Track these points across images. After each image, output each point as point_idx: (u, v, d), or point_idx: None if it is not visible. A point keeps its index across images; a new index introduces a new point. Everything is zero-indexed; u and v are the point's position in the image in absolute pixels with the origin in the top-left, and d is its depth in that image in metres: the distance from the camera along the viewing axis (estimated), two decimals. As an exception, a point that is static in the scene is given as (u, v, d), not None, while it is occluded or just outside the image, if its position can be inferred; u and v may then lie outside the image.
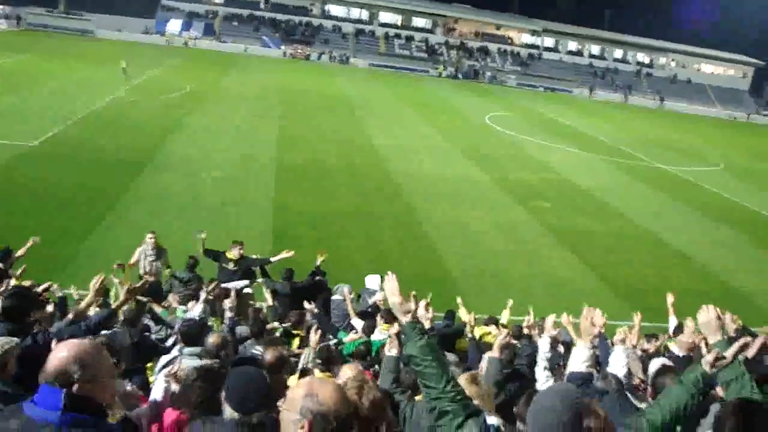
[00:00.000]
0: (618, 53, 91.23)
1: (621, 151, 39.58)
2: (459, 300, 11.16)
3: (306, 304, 9.37)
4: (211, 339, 5.43)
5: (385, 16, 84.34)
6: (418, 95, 54.71)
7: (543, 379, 5.77)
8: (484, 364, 6.63)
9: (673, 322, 9.66)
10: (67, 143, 23.49)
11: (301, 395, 2.51)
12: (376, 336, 8.08)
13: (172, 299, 9.94)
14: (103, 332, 5.63)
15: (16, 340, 4.03)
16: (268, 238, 16.83)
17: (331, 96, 45.86)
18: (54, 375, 2.68)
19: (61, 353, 2.74)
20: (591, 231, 21.86)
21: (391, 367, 5.25)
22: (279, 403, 2.73)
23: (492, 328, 10.06)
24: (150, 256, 11.30)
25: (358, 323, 8.98)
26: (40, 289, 7.28)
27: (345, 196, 22.08)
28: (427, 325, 6.97)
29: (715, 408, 4.08)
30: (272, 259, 11.66)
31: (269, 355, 5.09)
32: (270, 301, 10.64)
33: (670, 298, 9.31)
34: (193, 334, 5.64)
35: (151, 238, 11.44)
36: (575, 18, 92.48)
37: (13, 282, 7.83)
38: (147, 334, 7.62)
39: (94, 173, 20.40)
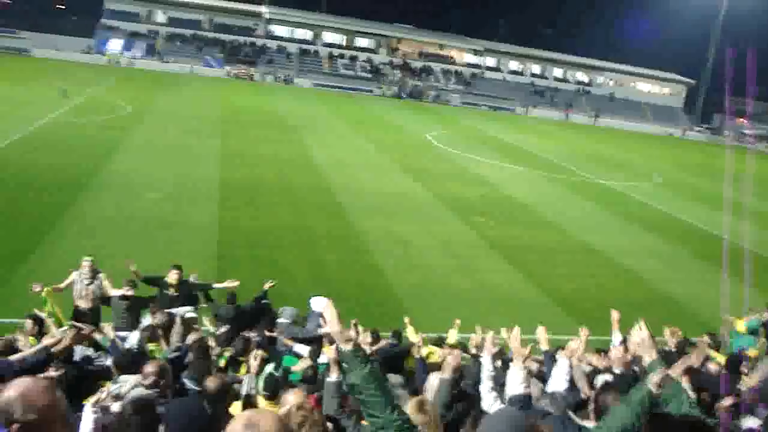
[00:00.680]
0: (558, 72, 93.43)
1: (560, 166, 40.41)
2: (406, 319, 11.14)
3: (252, 329, 9.24)
4: (149, 368, 5.22)
5: (328, 36, 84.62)
6: (361, 114, 54.94)
7: (489, 399, 5.75)
8: (430, 384, 6.61)
9: (617, 337, 9.75)
10: (1, 165, 22.79)
11: (240, 426, 2.44)
12: (323, 359, 7.98)
13: (108, 327, 9.64)
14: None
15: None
16: (211, 257, 16.54)
17: (274, 115, 45.67)
18: None
19: (8, 391, 2.59)
20: (531, 244, 22.15)
21: (333, 392, 5.17)
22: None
23: (437, 348, 10.04)
24: (85, 280, 10.96)
25: (303, 349, 8.85)
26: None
27: (286, 213, 21.91)
28: (368, 350, 6.93)
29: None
30: (215, 285, 11.44)
31: (211, 384, 4.95)
32: (211, 329, 10.39)
33: (615, 315, 9.23)
34: (128, 363, 5.46)
35: (86, 261, 11.11)
36: (516, 38, 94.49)
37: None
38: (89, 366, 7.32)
39: (30, 195, 19.77)
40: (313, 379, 6.98)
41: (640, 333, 3.91)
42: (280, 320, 10.27)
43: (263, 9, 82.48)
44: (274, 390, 5.88)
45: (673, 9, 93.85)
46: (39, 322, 8.51)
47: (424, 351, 9.62)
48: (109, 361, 7.50)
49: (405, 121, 53.65)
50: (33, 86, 42.96)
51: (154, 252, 16.19)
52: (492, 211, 25.93)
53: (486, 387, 5.80)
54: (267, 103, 51.82)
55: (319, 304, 10.67)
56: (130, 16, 76.02)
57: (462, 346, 10.16)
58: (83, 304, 10.79)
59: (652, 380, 3.48)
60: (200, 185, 23.76)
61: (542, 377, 7.27)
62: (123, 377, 5.28)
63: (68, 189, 20.73)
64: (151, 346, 8.04)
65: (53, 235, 16.72)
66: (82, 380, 6.25)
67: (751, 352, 10.59)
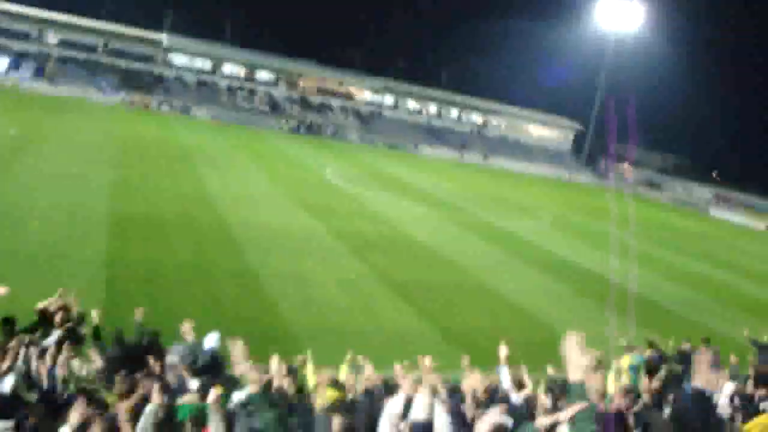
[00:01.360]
0: (454, 113, 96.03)
1: (456, 205, 41.44)
2: (300, 357, 11.01)
3: (151, 361, 8.93)
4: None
5: (228, 68, 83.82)
6: (259, 147, 54.58)
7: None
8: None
9: (505, 373, 9.93)
10: None
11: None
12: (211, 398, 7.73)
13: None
14: None
15: None
16: (101, 292, 15.90)
17: (170, 146, 44.64)
18: None
19: None
20: (428, 282, 22.53)
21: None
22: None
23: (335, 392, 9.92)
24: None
25: (194, 383, 8.58)
26: None
27: (181, 248, 21.39)
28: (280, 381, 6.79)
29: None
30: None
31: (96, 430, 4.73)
32: (98, 363, 9.91)
33: (503, 350, 9.34)
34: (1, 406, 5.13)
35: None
36: (415, 76, 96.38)
37: None
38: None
39: None
40: (203, 421, 6.76)
41: (576, 347, 3.87)
42: (169, 357, 9.93)
43: (163, 36, 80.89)
44: (161, 429, 5.66)
45: (566, 56, 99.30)
46: None
47: (327, 393, 9.48)
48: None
49: (304, 157, 53.67)
50: None
51: (37, 287, 15.40)
52: (389, 248, 26.20)
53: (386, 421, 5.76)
54: (165, 134, 50.66)
55: (213, 339, 10.41)
56: (20, 35, 72.72)
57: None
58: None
59: (541, 422, 3.58)
60: (92, 216, 22.78)
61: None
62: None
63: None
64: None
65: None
66: None
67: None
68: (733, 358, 14.19)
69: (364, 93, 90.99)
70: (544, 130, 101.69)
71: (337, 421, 6.03)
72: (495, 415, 6.97)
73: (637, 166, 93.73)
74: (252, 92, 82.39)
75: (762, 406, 10.28)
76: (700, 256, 39.99)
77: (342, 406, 7.88)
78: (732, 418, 9.57)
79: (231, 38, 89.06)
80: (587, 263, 30.43)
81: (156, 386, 6.69)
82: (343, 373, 11.10)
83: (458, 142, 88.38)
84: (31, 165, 29.22)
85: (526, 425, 3.74)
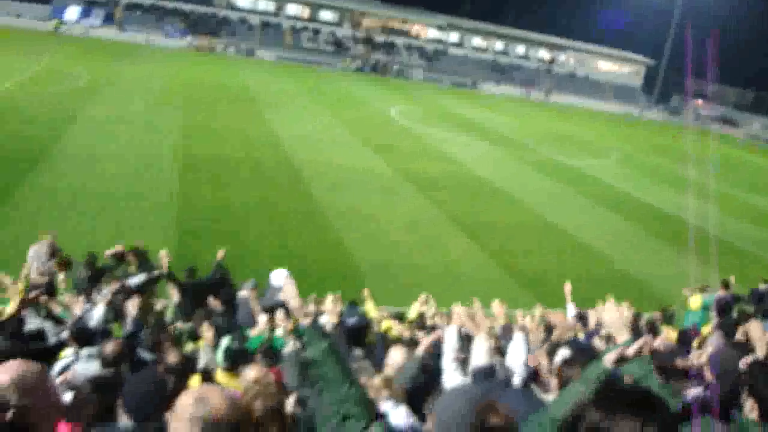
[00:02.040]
0: (521, 50, 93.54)
1: (522, 143, 40.69)
2: (365, 292, 11.15)
3: (211, 300, 9.15)
4: (109, 348, 5.07)
5: (292, 9, 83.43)
6: (324, 88, 54.39)
7: (450, 372, 5.74)
8: (392, 359, 6.59)
9: (571, 309, 9.99)
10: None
11: (190, 402, 2.42)
12: (279, 332, 7.92)
13: (70, 299, 9.44)
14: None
15: None
16: (172, 232, 16.39)
17: (236, 88, 44.93)
18: None
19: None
20: (492, 221, 22.38)
21: (291, 363, 5.14)
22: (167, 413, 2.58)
23: (395, 323, 10.05)
24: (43, 256, 10.72)
25: (262, 319, 8.80)
26: None
27: (249, 188, 21.74)
28: (334, 319, 6.89)
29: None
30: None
31: (171, 358, 4.88)
32: (176, 298, 10.25)
33: (567, 287, 9.63)
34: (87, 335, 5.33)
35: (44, 236, 10.86)
36: (480, 14, 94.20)
37: None
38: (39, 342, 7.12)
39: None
40: (272, 351, 6.92)
41: (612, 311, 3.91)
42: (241, 293, 10.20)
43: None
44: (233, 362, 5.81)
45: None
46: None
47: (384, 325, 9.65)
48: (66, 334, 7.35)
49: (368, 96, 53.32)
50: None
51: (112, 226, 15.97)
52: (454, 186, 26.05)
53: (448, 359, 5.79)
54: (230, 76, 50.97)
55: (279, 277, 10.61)
56: (89, -16, 73.81)
57: (419, 318, 10.20)
58: (39, 280, 10.55)
59: (608, 358, 3.52)
60: (162, 159, 23.38)
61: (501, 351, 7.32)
62: (83, 351, 5.15)
63: (25, 161, 20.27)
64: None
65: (9, 208, 16.37)
66: (27, 356, 5.94)
67: (704, 329, 10.84)
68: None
69: (429, 31, 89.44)
70: (614, 66, 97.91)
71: (398, 353, 6.08)
72: (564, 351, 6.92)
73: (713, 101, 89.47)
74: (316, 32, 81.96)
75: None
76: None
77: (403, 340, 7.97)
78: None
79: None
80: (657, 202, 29.63)
81: (205, 325, 6.85)
82: (414, 312, 11.22)
83: (525, 79, 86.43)
84: (103, 110, 29.98)
85: (594, 362, 3.66)
